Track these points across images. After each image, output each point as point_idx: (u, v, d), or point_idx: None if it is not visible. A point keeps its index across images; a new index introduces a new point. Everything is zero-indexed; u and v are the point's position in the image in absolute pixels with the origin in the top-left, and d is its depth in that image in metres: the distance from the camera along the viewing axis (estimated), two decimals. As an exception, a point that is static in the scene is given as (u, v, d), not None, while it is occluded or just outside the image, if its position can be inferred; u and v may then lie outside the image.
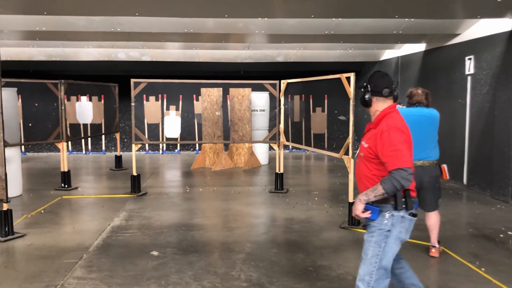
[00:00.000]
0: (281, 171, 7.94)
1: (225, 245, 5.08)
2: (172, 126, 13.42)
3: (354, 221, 5.74)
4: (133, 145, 7.78)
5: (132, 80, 7.65)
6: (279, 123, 8.04)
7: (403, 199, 2.75)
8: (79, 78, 9.95)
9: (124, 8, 6.24)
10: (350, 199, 5.83)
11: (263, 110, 11.19)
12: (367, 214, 2.77)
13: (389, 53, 12.09)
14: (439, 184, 4.68)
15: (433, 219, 4.71)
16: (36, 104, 11.12)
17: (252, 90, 9.83)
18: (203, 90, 9.14)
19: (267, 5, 6.52)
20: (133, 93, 7.64)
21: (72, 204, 7.23)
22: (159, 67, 12.78)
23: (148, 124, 13.60)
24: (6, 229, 5.30)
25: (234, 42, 10.65)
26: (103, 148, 13.72)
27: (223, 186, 8.55)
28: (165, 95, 13.68)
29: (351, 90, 5.70)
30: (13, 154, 7.35)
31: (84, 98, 10.86)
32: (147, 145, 13.76)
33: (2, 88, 5.22)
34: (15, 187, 7.25)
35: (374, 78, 2.94)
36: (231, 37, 9.71)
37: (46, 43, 10.10)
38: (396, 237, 2.79)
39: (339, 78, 5.92)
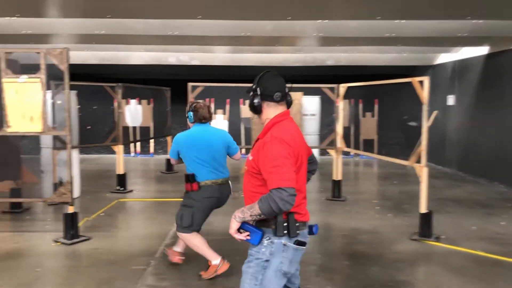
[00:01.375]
0: (339, 178, 7.68)
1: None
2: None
3: (425, 233, 5.44)
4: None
5: (190, 84, 7.61)
6: (336, 128, 7.76)
7: (285, 224, 2.29)
8: (129, 82, 10.03)
9: (187, 11, 6.17)
10: (422, 210, 5.52)
11: (314, 115, 10.98)
12: (244, 237, 2.33)
13: (445, 57, 11.63)
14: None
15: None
16: (95, 107, 11.30)
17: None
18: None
19: (331, 7, 6.32)
20: (191, 97, 7.57)
21: (129, 207, 7.21)
22: (207, 71, 12.77)
23: (195, 127, 13.57)
24: (72, 232, 5.28)
25: (286, 45, 10.50)
26: (151, 150, 13.80)
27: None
28: (212, 99, 13.63)
29: (424, 94, 5.41)
30: (73, 156, 7.41)
31: (133, 101, 10.95)
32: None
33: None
34: (74, 189, 7.28)
35: (264, 79, 2.43)
36: (283, 40, 9.54)
37: (99, 47, 10.20)
38: (277, 269, 2.33)
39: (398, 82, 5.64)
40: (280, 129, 2.33)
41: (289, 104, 2.50)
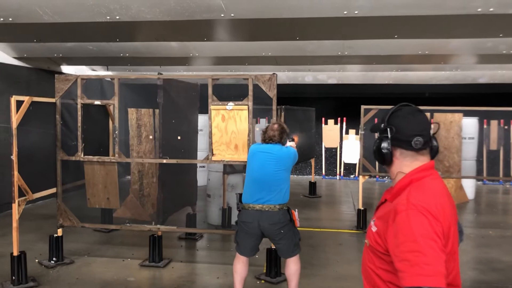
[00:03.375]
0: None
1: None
2: (351, 150, 12.84)
3: None
4: (360, 177, 7.20)
5: (363, 107, 7.13)
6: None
7: None
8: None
9: (385, 32, 5.72)
10: None
11: (472, 138, 10.01)
12: None
13: None
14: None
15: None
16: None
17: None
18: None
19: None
20: (363, 120, 7.09)
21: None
22: (341, 89, 12.27)
23: (325, 148, 13.12)
24: (276, 269, 4.92)
25: (441, 63, 9.71)
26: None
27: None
28: (344, 118, 13.11)
29: None
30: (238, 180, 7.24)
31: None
32: (324, 168, 13.27)
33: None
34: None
35: (398, 117, 1.74)
36: (436, 58, 8.81)
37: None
38: None
39: None
40: (421, 192, 1.63)
41: (434, 153, 1.78)
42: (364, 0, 4.50)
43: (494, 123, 12.07)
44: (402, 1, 4.52)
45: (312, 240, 6.44)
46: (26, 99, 4.62)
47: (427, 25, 5.21)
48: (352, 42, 6.86)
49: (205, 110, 6.97)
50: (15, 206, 4.50)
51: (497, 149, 12.12)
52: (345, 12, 4.71)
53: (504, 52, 7.30)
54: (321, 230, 7.10)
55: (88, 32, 6.10)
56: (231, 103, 4.88)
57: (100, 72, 10.12)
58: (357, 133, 12.85)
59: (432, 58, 8.71)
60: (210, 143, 4.96)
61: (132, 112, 7.45)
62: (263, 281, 4.83)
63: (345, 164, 13.05)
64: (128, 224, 5.23)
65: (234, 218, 7.12)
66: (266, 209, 3.92)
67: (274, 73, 4.83)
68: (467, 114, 8.83)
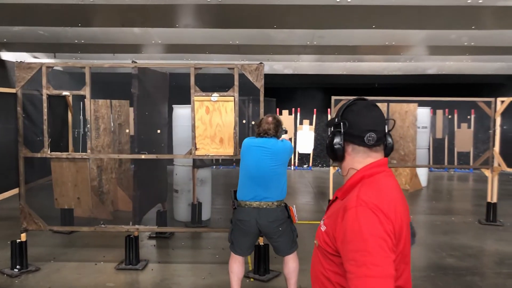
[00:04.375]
0: (494, 200, 7.04)
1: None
2: (305, 141, 12.91)
3: None
4: (331, 168, 7.18)
5: (333, 98, 7.09)
6: (494, 146, 7.12)
7: None
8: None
9: (361, 22, 5.65)
10: None
11: (426, 127, 10.36)
12: None
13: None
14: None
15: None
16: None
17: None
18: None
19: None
20: (334, 111, 7.06)
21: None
22: (293, 79, 12.24)
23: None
24: (265, 266, 4.76)
25: (399, 54, 9.91)
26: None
27: (419, 214, 7.77)
28: (298, 109, 13.12)
29: None
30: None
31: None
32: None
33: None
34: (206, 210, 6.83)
35: (352, 112, 1.64)
36: (393, 49, 8.98)
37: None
38: None
39: None
40: (372, 189, 1.53)
41: (388, 150, 1.68)
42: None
43: (439, 113, 12.65)
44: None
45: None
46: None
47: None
48: (324, 31, 6.77)
49: (176, 101, 6.67)
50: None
51: (442, 138, 12.72)
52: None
53: (465, 44, 7.54)
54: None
55: (41, 15, 5.54)
56: (215, 94, 4.61)
57: (64, 60, 9.32)
58: (310, 124, 12.96)
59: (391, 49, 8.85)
60: (193, 137, 4.66)
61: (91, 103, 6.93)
62: (252, 279, 4.65)
63: (299, 154, 13.10)
64: (103, 225, 4.82)
65: (204, 214, 6.87)
66: (264, 207, 3.73)
67: (261, 62, 4.62)
68: (420, 104, 9.12)
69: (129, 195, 6.90)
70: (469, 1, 4.49)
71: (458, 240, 6.16)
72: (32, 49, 8.83)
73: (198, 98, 4.61)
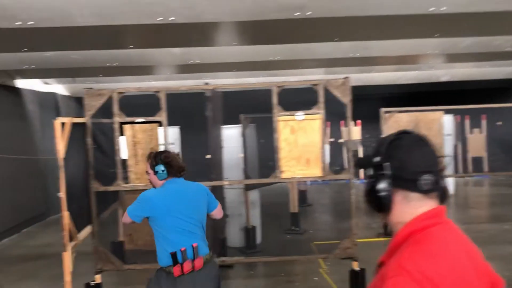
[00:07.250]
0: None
1: None
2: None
3: None
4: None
5: (383, 110, 6.93)
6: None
7: None
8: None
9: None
10: None
11: (449, 135, 10.32)
12: None
13: None
14: None
15: None
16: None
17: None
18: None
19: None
20: (386, 127, 6.91)
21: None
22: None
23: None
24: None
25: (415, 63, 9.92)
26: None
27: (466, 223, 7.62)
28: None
29: None
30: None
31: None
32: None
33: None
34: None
35: (401, 148, 1.28)
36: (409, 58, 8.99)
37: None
38: None
39: None
40: (421, 250, 1.18)
41: (444, 196, 1.30)
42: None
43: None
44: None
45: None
46: (67, 121, 3.73)
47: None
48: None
49: (229, 121, 6.38)
50: (67, 256, 3.58)
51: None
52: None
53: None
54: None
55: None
56: (300, 112, 4.36)
57: (131, 83, 8.87)
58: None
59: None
60: (277, 159, 4.39)
61: (127, 129, 6.57)
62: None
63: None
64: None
65: (258, 238, 6.56)
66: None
67: (346, 77, 4.40)
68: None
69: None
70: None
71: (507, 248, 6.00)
72: (50, 75, 8.41)
73: (282, 118, 4.35)
